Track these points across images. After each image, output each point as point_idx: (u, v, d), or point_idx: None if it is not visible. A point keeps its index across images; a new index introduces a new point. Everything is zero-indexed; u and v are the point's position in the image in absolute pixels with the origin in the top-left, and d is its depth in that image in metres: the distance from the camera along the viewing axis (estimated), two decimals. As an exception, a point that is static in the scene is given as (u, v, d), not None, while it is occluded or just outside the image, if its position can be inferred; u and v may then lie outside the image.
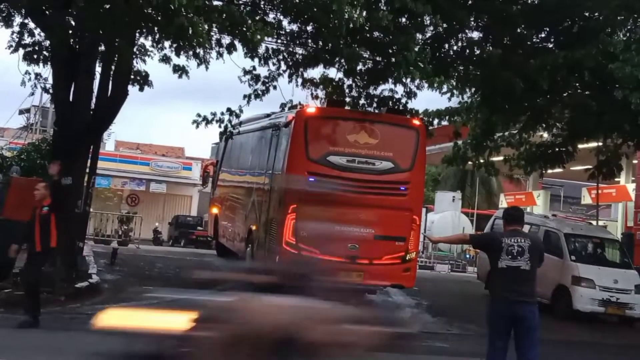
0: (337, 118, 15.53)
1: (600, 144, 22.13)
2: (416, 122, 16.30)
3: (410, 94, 18.03)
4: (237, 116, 17.63)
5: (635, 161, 28.38)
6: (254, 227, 16.94)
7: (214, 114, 17.39)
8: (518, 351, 8.31)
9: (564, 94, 19.39)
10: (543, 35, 19.06)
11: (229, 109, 17.43)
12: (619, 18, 17.48)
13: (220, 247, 22.35)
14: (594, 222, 27.24)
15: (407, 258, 15.18)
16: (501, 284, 8.40)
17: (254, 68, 17.53)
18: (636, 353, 14.65)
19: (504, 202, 41.19)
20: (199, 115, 17.68)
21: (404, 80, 16.98)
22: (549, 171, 24.66)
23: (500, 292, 8.39)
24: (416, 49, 15.25)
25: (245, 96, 17.55)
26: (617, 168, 22.19)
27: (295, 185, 12.42)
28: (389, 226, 14.95)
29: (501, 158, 23.41)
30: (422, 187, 16.56)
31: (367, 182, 14.79)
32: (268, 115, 19.07)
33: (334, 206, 13.88)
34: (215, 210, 23.61)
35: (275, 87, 17.79)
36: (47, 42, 15.52)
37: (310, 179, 14.20)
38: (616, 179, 26.28)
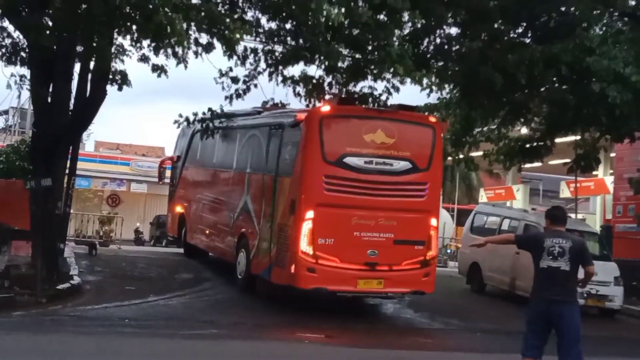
0: (353, 117, 14.65)
1: (578, 137, 22.33)
2: (432, 119, 15.67)
3: (393, 89, 18.04)
4: (219, 116, 17.62)
5: (613, 154, 28.61)
6: (249, 232, 16.04)
7: (195, 114, 17.41)
8: (560, 350, 8.46)
9: (542, 89, 19.49)
10: (520, 30, 19.15)
11: (210, 109, 17.43)
12: (595, 12, 17.59)
13: (190, 248, 21.27)
14: (573, 215, 27.45)
15: (426, 263, 14.44)
16: (541, 284, 8.57)
17: (231, 69, 17.53)
18: (617, 344, 14.80)
19: (484, 196, 41.45)
20: (180, 115, 17.70)
21: (386, 76, 17.01)
22: (528, 165, 24.83)
23: (540, 292, 8.56)
24: (396, 45, 15.28)
25: (226, 97, 17.54)
26: (595, 161, 22.38)
27: None
28: (408, 230, 14.27)
29: (480, 153, 23.54)
30: (439, 187, 15.83)
31: (385, 183, 14.17)
32: (259, 112, 18.28)
33: (352, 210, 13.79)
34: (179, 209, 22.37)
35: (255, 86, 17.78)
36: (25, 43, 15.43)
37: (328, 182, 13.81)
38: (594, 173, 26.50)
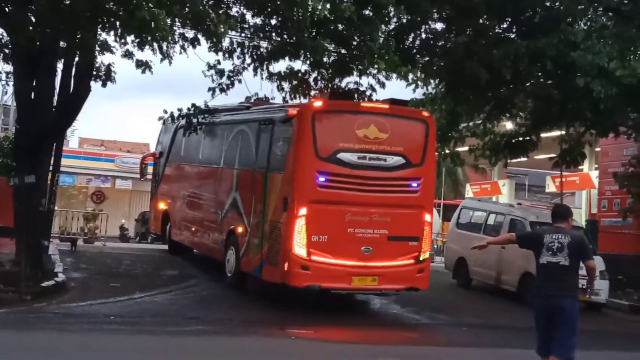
0: (346, 111, 14.36)
1: (564, 132, 22.41)
2: (425, 113, 15.49)
3: (379, 85, 18.03)
4: (204, 112, 17.58)
5: (598, 149, 28.74)
6: (239, 229, 15.73)
7: (180, 110, 17.40)
8: (554, 341, 8.50)
9: (527, 84, 19.57)
10: (505, 25, 19.22)
11: (193, 105, 17.39)
12: (579, 7, 17.65)
13: (174, 245, 20.96)
14: (559, 210, 27.49)
15: (420, 259, 14.26)
16: (542, 279, 8.69)
17: (219, 62, 17.50)
18: (604, 338, 14.84)
19: (470, 191, 41.50)
20: (165, 111, 17.68)
21: (369, 71, 16.99)
22: (514, 160, 24.90)
23: (541, 287, 8.68)
24: (380, 40, 15.26)
25: (210, 89, 17.51)
26: (580, 156, 22.48)
27: None
28: (402, 226, 14.07)
29: (466, 148, 23.58)
30: (433, 183, 15.47)
31: (379, 179, 13.95)
32: (247, 107, 17.94)
33: (346, 207, 13.62)
34: (162, 206, 22.05)
35: (240, 81, 17.75)
36: (8, 39, 15.32)
37: (321, 179, 13.60)
38: (579, 167, 26.60)
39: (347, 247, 13.64)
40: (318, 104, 14.33)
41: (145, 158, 25.98)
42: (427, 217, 14.42)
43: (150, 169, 24.66)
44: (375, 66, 15.92)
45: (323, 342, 12.01)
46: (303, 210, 13.48)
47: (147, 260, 20.44)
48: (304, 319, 13.30)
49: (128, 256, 21.42)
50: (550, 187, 35.39)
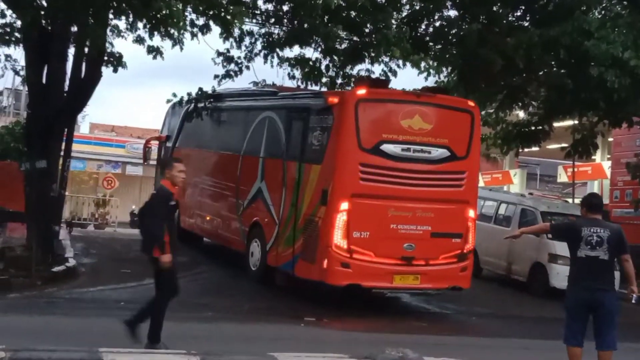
0: (390, 100, 13.54)
1: (576, 122, 22.28)
2: (471, 103, 14.57)
3: (390, 72, 17.97)
4: (209, 97, 17.55)
5: (610, 139, 28.58)
6: (265, 221, 15.04)
7: (190, 94, 17.40)
8: (597, 336, 8.52)
9: (540, 73, 19.44)
10: (519, 13, 19.10)
11: (200, 89, 17.39)
12: (593, -4, 17.52)
13: (184, 233, 19.12)
14: (570, 200, 27.42)
15: (464, 256, 13.65)
16: (580, 273, 8.61)
17: (228, 50, 17.50)
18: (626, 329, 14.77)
19: (481, 181, 41.34)
20: (174, 94, 17.67)
21: (382, 59, 16.93)
22: (526, 150, 24.78)
23: (579, 281, 8.60)
24: (394, 28, 15.19)
25: (216, 76, 17.49)
26: (592, 146, 22.34)
27: None
28: (446, 222, 13.42)
29: (478, 137, 23.45)
30: (477, 176, 14.81)
31: (423, 172, 13.28)
32: (273, 93, 16.99)
33: (389, 201, 13.07)
34: None
35: (248, 68, 17.72)
36: (19, 24, 15.31)
37: (363, 172, 12.94)
38: (592, 157, 26.46)
39: (390, 244, 13.06)
40: (361, 92, 13.36)
41: (149, 141, 24.82)
42: (471, 213, 13.81)
43: (154, 153, 23.84)
44: (389, 54, 15.83)
45: (332, 330, 12.01)
46: (345, 205, 12.83)
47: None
48: (314, 308, 13.22)
49: (138, 242, 21.41)
50: (562, 177, 35.25)
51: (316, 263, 13.11)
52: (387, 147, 13.06)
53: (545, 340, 12.14)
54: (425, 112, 13.32)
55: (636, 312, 17.03)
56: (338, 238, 12.81)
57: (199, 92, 17.25)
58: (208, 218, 18.46)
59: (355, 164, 12.97)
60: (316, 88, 18.03)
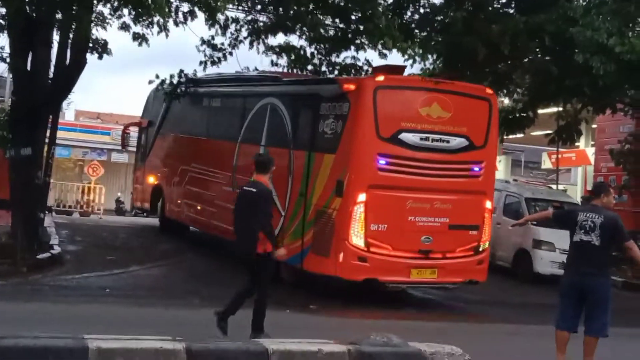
0: (408, 88, 13.21)
1: (561, 109, 22.37)
2: (489, 91, 14.17)
3: (381, 55, 18.00)
4: (191, 81, 17.53)
5: (594, 126, 28.69)
6: None
7: (172, 76, 17.43)
8: (587, 320, 8.65)
9: (525, 60, 19.50)
10: (504, 0, 19.11)
11: (181, 71, 17.38)
12: (578, -17, 17.58)
13: (169, 223, 19.73)
14: (554, 186, 27.59)
15: (480, 249, 13.37)
16: (574, 257, 8.77)
17: (213, 38, 17.50)
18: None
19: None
20: (157, 76, 17.67)
21: (372, 47, 16.94)
22: (510, 136, 24.86)
23: (572, 266, 8.78)
24: (382, 17, 15.17)
25: (201, 62, 17.47)
26: (576, 133, 22.49)
27: None
28: (463, 213, 13.07)
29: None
30: (494, 167, 14.44)
31: (442, 162, 12.91)
32: (274, 78, 16.45)
33: (407, 193, 12.71)
34: (153, 180, 20.52)
35: (231, 54, 17.71)
36: (3, 11, 15.21)
37: (382, 162, 12.54)
38: (576, 144, 26.58)
39: (407, 237, 12.75)
40: (380, 78, 12.88)
41: (127, 127, 24.16)
42: (488, 204, 13.57)
43: (133, 139, 23.41)
44: (381, 42, 15.80)
45: (318, 316, 12.03)
46: (362, 197, 12.41)
47: (143, 234, 20.47)
48: (300, 296, 13.19)
49: (124, 229, 21.46)
50: (547, 163, 35.40)
51: (330, 257, 12.70)
52: (405, 136, 12.67)
53: (531, 326, 12.28)
54: (443, 100, 12.94)
55: (627, 298, 17.21)
56: (355, 231, 12.42)
57: (180, 75, 17.24)
58: (199, 207, 17.78)
59: (374, 153, 12.56)
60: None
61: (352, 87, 13.04)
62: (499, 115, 14.36)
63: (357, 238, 12.45)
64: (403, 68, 14.61)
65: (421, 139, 12.74)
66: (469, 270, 13.34)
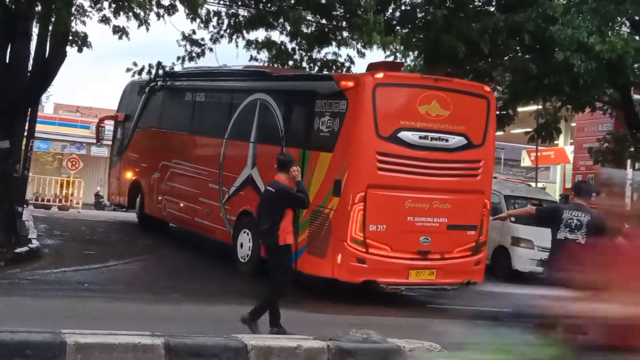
0: (407, 85, 12.99)
1: (540, 107, 22.50)
2: (487, 88, 14.06)
3: (360, 54, 18.04)
4: (173, 74, 17.48)
5: (573, 124, 28.90)
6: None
7: (151, 65, 17.39)
8: None
9: (505, 58, 19.58)
10: (485, -2, 19.20)
11: (159, 63, 17.32)
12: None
13: (148, 219, 19.23)
14: (533, 184, 27.73)
15: (478, 249, 13.19)
16: (557, 255, 8.72)
17: (194, 32, 17.46)
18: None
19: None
20: (135, 63, 17.64)
21: (364, 43, 16.97)
22: (490, 134, 24.96)
23: (555, 262, 8.64)
24: (367, 13, 15.20)
25: (178, 58, 17.42)
26: (556, 131, 22.59)
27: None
28: (461, 213, 12.85)
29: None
30: (492, 166, 14.23)
31: (440, 162, 12.68)
32: (262, 74, 15.97)
33: (406, 192, 12.51)
34: (131, 176, 19.93)
35: (211, 50, 17.67)
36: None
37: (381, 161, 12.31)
38: (555, 142, 26.74)
39: (406, 237, 12.53)
40: (379, 75, 12.55)
41: (102, 120, 23.34)
42: (486, 204, 13.38)
43: (109, 133, 22.82)
44: (368, 38, 15.84)
45: (298, 312, 11.97)
46: (361, 196, 12.18)
47: (122, 229, 20.36)
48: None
49: (103, 224, 21.33)
50: (526, 161, 35.60)
51: (327, 258, 12.47)
52: (405, 135, 12.44)
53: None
54: (442, 98, 12.68)
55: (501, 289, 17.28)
56: (354, 232, 12.19)
57: (158, 68, 17.19)
58: (182, 205, 17.27)
59: (373, 152, 12.35)
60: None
61: (350, 84, 12.73)
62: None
63: (356, 239, 12.24)
64: (400, 65, 14.34)
65: (420, 137, 12.54)
66: (466, 271, 13.14)
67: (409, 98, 12.70)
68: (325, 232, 12.52)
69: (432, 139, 12.64)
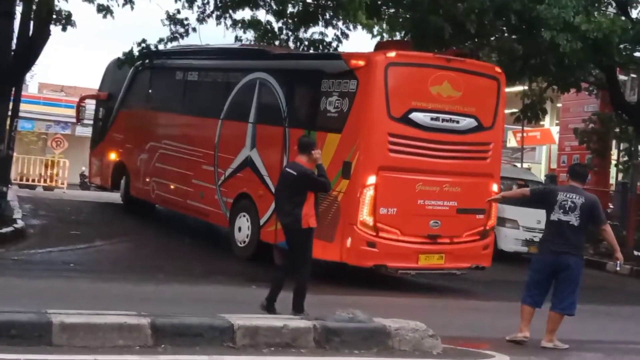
0: (419, 65, 12.59)
1: (526, 87, 22.53)
2: (497, 69, 13.76)
3: (343, 36, 17.96)
4: (162, 53, 17.37)
5: (559, 105, 28.97)
6: (258, 194, 13.66)
7: (139, 44, 17.28)
8: (556, 297, 8.82)
9: (492, 38, 19.56)
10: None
11: (143, 40, 17.19)
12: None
13: (133, 202, 18.77)
14: (519, 165, 27.83)
15: (486, 233, 13.04)
16: (551, 236, 8.89)
17: (178, 12, 17.35)
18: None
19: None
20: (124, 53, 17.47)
21: (337, 22, 16.89)
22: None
23: (548, 244, 8.90)
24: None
25: (160, 40, 17.28)
26: (542, 112, 22.68)
27: None
28: (470, 197, 12.61)
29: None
30: (501, 148, 14.04)
31: (451, 144, 12.47)
32: (263, 52, 15.65)
33: (417, 175, 12.30)
34: (115, 157, 19.41)
35: (195, 30, 17.56)
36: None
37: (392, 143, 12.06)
38: (541, 123, 26.82)
39: (416, 221, 12.33)
40: (391, 54, 12.24)
41: (83, 99, 22.67)
42: (495, 187, 13.08)
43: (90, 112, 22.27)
44: (354, 18, 15.77)
45: (284, 292, 11.97)
46: (372, 179, 11.92)
47: (107, 209, 20.30)
48: (267, 272, 12.95)
49: (88, 204, 21.27)
50: (512, 141, 35.63)
51: (335, 242, 12.17)
52: (416, 116, 12.21)
53: (495, 302, 12.41)
54: (454, 78, 12.48)
55: (588, 276, 17.44)
56: (364, 215, 11.95)
57: (143, 45, 17.06)
58: (172, 187, 16.77)
59: (384, 134, 12.09)
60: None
61: (361, 63, 12.36)
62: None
63: (366, 222, 12.01)
64: (408, 44, 14.05)
65: (432, 119, 12.33)
66: (475, 256, 13.00)
67: (420, 78, 12.39)
68: (334, 216, 12.19)
69: (443, 120, 12.43)
